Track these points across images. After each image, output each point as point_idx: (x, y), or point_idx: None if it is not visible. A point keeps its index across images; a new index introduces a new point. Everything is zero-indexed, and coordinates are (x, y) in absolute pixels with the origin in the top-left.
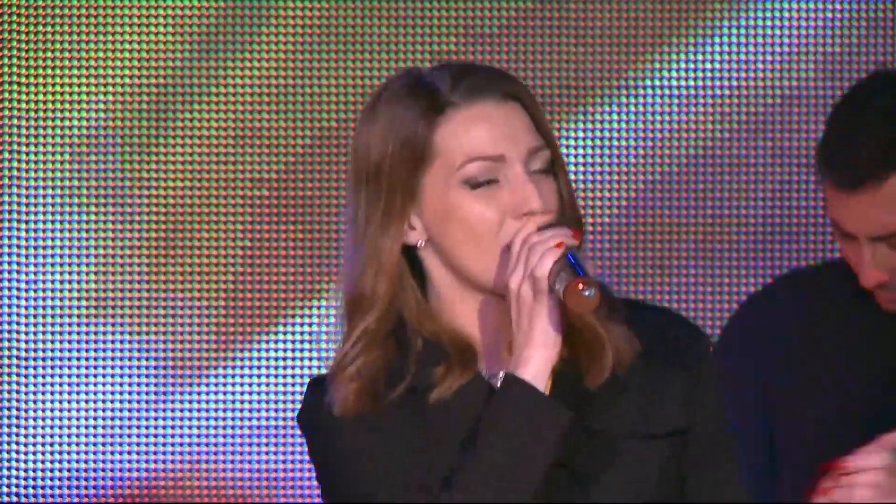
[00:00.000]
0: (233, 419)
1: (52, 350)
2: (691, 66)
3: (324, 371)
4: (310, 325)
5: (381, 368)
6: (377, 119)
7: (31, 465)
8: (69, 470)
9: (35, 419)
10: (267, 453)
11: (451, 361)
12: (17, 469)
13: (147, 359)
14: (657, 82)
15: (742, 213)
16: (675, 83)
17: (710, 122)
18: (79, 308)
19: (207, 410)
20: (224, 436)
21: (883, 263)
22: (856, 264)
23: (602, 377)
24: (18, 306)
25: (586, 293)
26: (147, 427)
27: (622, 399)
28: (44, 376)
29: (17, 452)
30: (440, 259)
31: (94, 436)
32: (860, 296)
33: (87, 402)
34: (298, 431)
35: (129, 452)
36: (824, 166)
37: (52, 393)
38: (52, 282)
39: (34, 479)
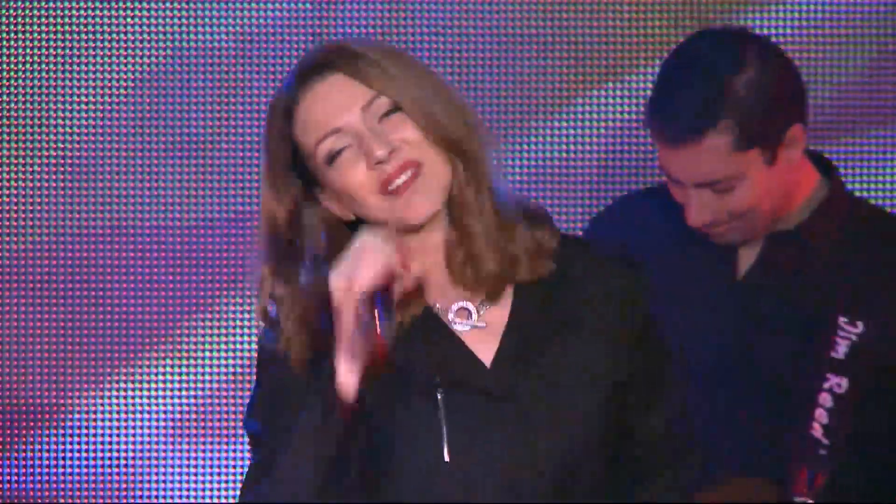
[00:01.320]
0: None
1: None
2: None
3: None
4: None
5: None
6: (267, 121)
7: None
8: None
9: None
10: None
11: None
12: None
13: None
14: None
15: None
16: None
17: None
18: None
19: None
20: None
21: (708, 206)
22: (684, 206)
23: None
24: None
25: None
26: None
27: (568, 343)
28: None
29: None
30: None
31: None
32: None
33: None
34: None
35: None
36: (651, 121)
37: None
38: None
39: None
